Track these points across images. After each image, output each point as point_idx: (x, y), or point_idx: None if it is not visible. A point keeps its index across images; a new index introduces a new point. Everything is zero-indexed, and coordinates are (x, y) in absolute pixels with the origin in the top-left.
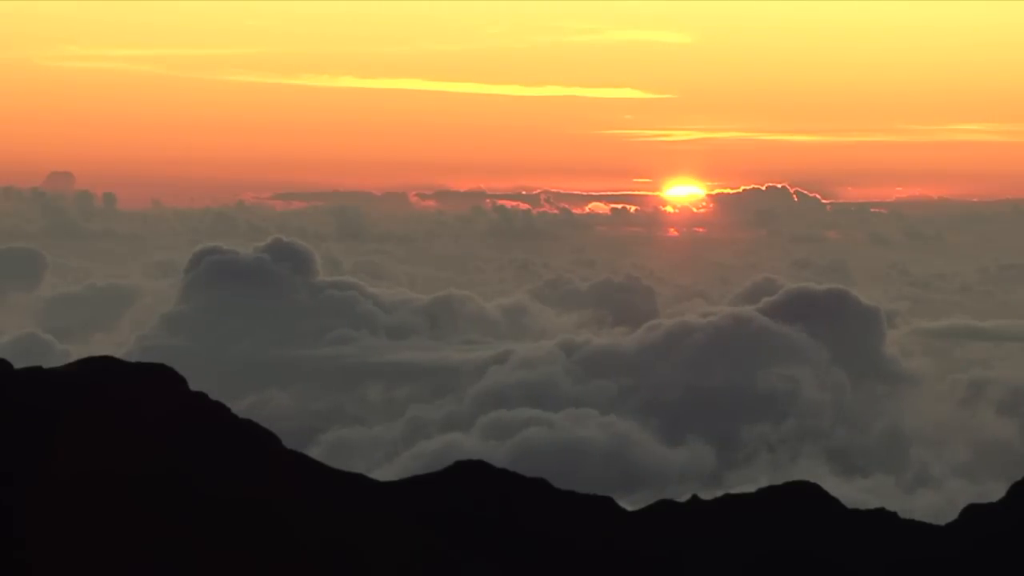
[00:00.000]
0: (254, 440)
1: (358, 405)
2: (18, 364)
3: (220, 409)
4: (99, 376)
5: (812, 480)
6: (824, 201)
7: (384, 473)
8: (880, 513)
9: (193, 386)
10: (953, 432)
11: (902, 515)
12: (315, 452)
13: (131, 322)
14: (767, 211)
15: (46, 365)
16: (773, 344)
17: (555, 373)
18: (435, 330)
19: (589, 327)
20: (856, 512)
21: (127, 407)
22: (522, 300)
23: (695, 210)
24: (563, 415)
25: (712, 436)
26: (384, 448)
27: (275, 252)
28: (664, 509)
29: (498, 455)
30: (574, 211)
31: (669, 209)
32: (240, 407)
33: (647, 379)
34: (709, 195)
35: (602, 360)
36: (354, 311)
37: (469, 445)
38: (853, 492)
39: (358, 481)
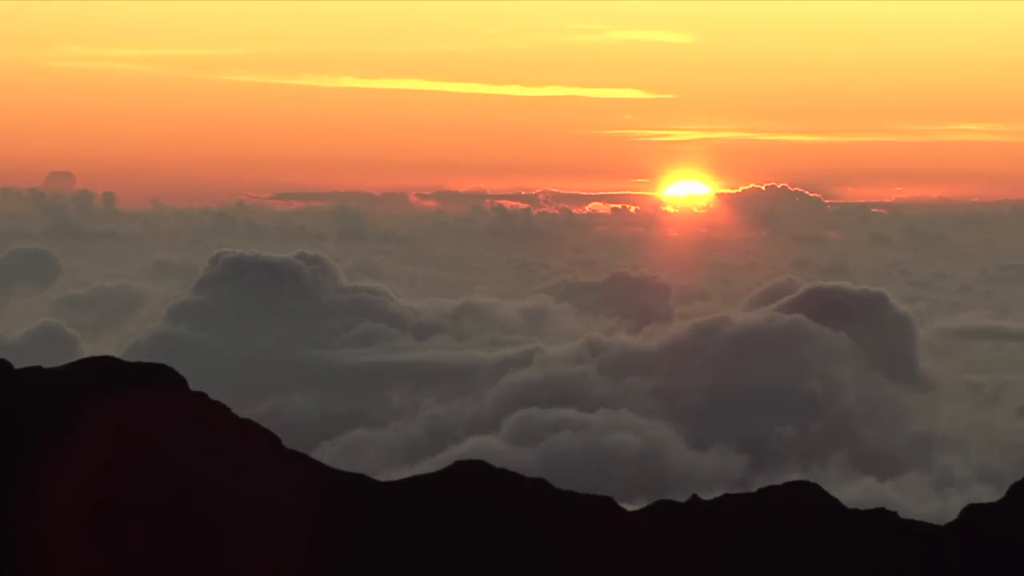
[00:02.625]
0: (254, 441)
1: (381, 406)
2: (42, 356)
3: (220, 409)
4: (98, 376)
5: (846, 484)
6: (825, 201)
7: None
8: (880, 513)
9: (215, 386)
10: (977, 434)
11: (903, 515)
12: (336, 454)
13: (140, 323)
14: (768, 211)
15: (70, 359)
16: (804, 345)
17: (583, 373)
18: (460, 331)
19: (614, 326)
20: (856, 512)
21: (126, 407)
22: (544, 299)
23: (696, 210)
24: (592, 415)
25: (743, 439)
26: (408, 450)
27: (300, 259)
28: (663, 509)
29: (528, 458)
30: (574, 211)
31: (669, 209)
32: (262, 408)
33: (676, 380)
34: (710, 195)
35: (630, 360)
36: (379, 313)
37: (496, 447)
38: (884, 494)
39: (358, 481)
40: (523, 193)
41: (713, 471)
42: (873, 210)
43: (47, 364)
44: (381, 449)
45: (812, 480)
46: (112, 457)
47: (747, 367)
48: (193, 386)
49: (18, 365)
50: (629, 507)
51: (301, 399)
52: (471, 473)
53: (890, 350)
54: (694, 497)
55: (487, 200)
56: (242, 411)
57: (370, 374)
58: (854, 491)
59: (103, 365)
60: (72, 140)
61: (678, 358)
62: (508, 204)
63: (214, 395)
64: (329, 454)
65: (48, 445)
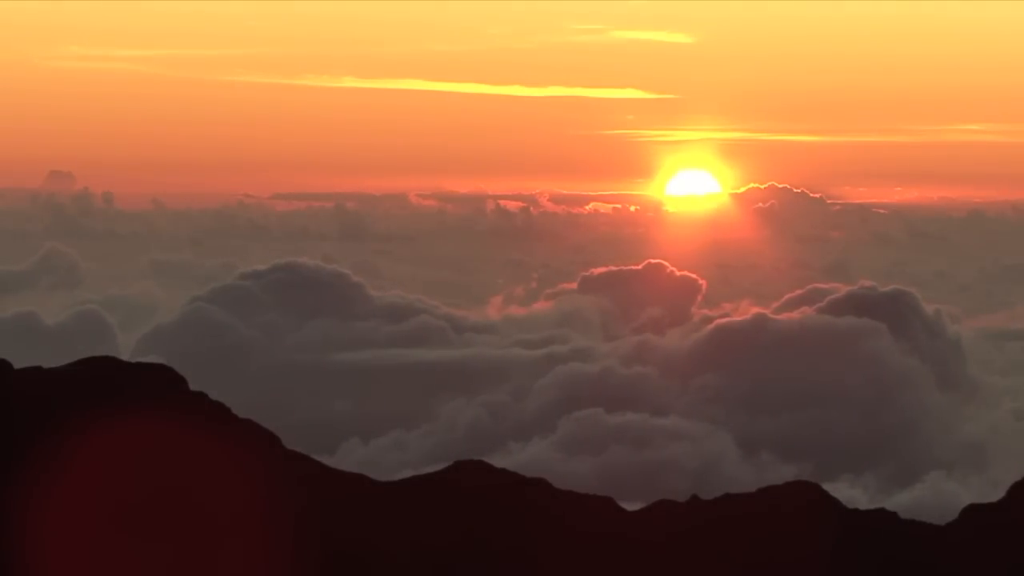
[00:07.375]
0: (253, 440)
1: (423, 408)
2: (83, 343)
3: (220, 409)
4: (98, 376)
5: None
6: (827, 201)
7: None
8: (880, 513)
9: (247, 385)
10: (1016, 440)
11: (903, 515)
12: (369, 455)
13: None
14: (770, 211)
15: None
16: (850, 348)
17: (640, 375)
18: (500, 331)
19: (654, 318)
20: (856, 512)
21: (126, 407)
22: (576, 295)
23: (697, 210)
24: (648, 419)
25: (790, 443)
26: (444, 453)
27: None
28: (664, 509)
29: (578, 463)
30: (574, 211)
31: (670, 209)
32: (298, 413)
33: (730, 381)
34: (712, 195)
35: (677, 360)
36: (420, 315)
37: (542, 449)
38: (941, 496)
39: (358, 481)
40: (523, 193)
41: (769, 476)
42: (875, 210)
43: (86, 353)
44: (417, 451)
45: (862, 483)
46: (111, 457)
47: (805, 368)
48: (214, 384)
49: (60, 352)
50: (629, 507)
51: (340, 399)
52: (471, 473)
53: (938, 354)
54: (694, 497)
55: (487, 200)
56: (277, 417)
57: (413, 375)
58: (920, 488)
59: (102, 365)
60: (72, 140)
61: (728, 358)
62: (508, 204)
63: (220, 394)
64: (361, 455)
65: (47, 445)
